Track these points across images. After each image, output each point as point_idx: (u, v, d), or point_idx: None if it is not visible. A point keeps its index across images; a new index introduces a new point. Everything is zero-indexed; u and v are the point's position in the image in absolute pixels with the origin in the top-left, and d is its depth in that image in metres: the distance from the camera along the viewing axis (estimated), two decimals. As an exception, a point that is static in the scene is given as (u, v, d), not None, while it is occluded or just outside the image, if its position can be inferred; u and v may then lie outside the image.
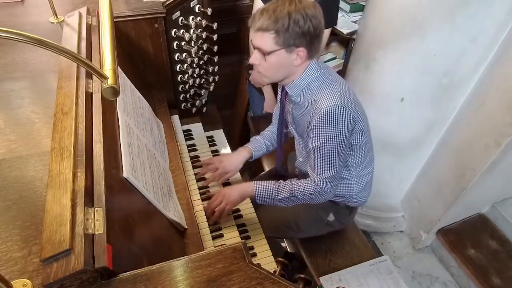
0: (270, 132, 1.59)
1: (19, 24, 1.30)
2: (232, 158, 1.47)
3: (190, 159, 1.50)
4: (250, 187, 1.33)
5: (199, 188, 1.40)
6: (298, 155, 1.48)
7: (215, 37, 1.63)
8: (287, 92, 1.30)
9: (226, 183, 1.50)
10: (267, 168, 2.00)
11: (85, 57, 0.97)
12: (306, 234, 1.60)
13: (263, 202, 1.34)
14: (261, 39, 1.14)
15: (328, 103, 1.15)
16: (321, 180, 1.26)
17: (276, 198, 1.32)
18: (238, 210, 1.40)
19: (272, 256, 1.28)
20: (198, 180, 1.43)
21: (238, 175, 1.54)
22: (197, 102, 1.73)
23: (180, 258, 0.71)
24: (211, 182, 1.45)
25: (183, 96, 1.69)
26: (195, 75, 1.68)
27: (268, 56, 1.16)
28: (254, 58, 1.20)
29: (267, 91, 2.12)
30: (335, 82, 1.22)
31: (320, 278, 1.50)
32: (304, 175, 1.43)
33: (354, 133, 1.25)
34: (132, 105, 1.15)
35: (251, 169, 2.42)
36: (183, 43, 1.51)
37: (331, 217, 1.51)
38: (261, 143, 1.55)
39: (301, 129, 1.34)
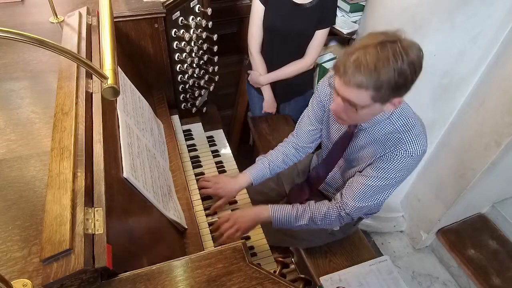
0: (281, 153, 1.43)
1: (19, 24, 1.30)
2: (228, 185, 1.37)
3: (190, 159, 1.50)
4: (265, 213, 1.25)
5: (199, 189, 1.40)
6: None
7: (215, 37, 1.63)
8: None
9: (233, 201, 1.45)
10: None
11: (85, 57, 0.97)
12: (309, 244, 1.59)
13: (280, 227, 1.27)
14: (356, 94, 0.98)
15: (418, 148, 1.09)
16: (355, 207, 1.20)
17: (293, 225, 1.26)
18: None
19: (272, 256, 1.28)
20: (198, 181, 1.43)
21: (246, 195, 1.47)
22: (197, 102, 1.73)
23: (180, 258, 0.72)
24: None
25: (183, 96, 1.69)
26: (195, 75, 1.68)
27: (360, 110, 1.03)
28: (339, 107, 1.06)
29: (266, 92, 2.12)
30: (418, 121, 1.14)
31: (320, 278, 1.50)
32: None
33: None
34: (132, 105, 1.15)
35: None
36: (183, 43, 1.51)
37: (335, 227, 1.48)
38: (265, 168, 1.41)
39: (357, 156, 1.25)
